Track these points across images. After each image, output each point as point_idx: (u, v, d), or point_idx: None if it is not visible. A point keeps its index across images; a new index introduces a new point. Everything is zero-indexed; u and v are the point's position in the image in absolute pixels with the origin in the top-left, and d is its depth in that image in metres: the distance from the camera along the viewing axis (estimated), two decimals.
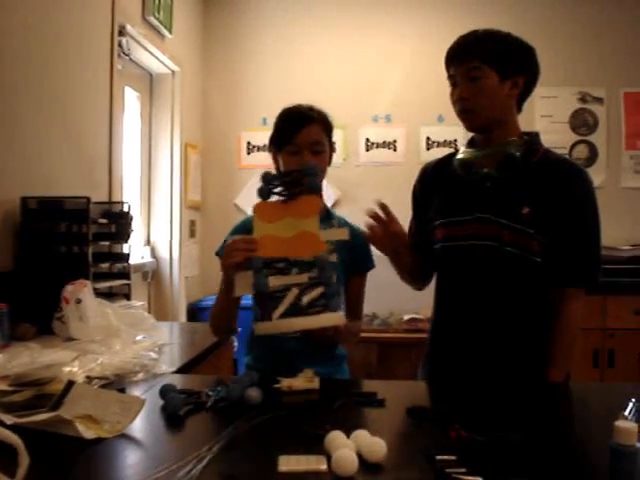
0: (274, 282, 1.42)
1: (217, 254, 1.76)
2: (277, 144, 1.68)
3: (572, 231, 1.57)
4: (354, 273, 1.74)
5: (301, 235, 1.45)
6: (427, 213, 1.72)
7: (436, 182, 1.73)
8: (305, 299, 1.41)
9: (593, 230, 1.61)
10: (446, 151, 1.82)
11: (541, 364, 1.57)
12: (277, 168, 1.72)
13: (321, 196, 1.52)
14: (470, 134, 1.71)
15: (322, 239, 1.44)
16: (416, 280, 1.81)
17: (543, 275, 1.57)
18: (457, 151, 1.73)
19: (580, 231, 1.59)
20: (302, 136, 1.62)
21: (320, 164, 1.60)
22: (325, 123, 1.69)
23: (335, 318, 1.44)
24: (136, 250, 3.51)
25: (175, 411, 1.18)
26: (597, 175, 4.15)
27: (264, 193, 1.49)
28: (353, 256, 1.68)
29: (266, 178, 1.50)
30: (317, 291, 1.42)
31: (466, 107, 1.58)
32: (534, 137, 1.66)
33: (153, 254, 3.89)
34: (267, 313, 1.41)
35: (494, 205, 1.58)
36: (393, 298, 3.64)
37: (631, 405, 1.15)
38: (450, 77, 1.62)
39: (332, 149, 1.72)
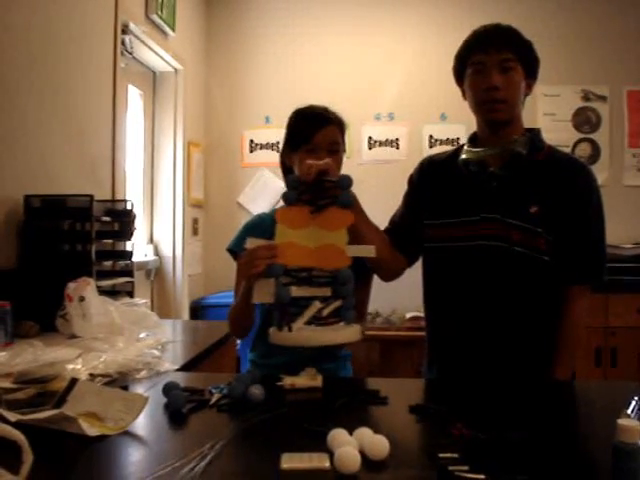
0: (296, 292, 1.39)
1: (230, 251, 1.76)
2: (294, 144, 1.69)
3: (577, 229, 1.57)
4: (359, 273, 1.73)
5: (326, 247, 1.40)
6: (420, 208, 1.70)
7: (437, 179, 1.71)
8: (325, 312, 1.40)
9: (597, 227, 1.60)
10: (449, 149, 1.80)
11: (547, 363, 1.57)
12: (288, 168, 1.74)
13: (358, 207, 1.47)
14: (469, 131, 1.69)
15: (348, 254, 1.41)
16: (386, 273, 1.75)
17: (550, 274, 1.56)
18: (459, 148, 1.71)
19: (584, 229, 1.58)
20: (320, 136, 1.64)
21: (336, 163, 1.62)
22: (340, 124, 1.72)
23: (353, 334, 1.42)
24: (139, 248, 3.52)
25: (178, 409, 1.18)
26: (600, 173, 4.13)
27: (291, 199, 1.43)
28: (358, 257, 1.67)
29: (293, 183, 1.45)
30: (335, 304, 1.41)
31: (497, 97, 1.53)
32: (537, 134, 1.65)
33: (156, 252, 3.89)
34: (286, 323, 1.39)
35: (501, 205, 1.57)
36: (395, 296, 3.64)
37: (634, 403, 1.15)
38: (475, 64, 1.56)
39: (344, 149, 1.73)
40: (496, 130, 1.60)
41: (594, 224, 1.60)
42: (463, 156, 1.65)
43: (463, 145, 1.71)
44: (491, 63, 1.54)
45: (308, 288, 1.41)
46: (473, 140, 1.69)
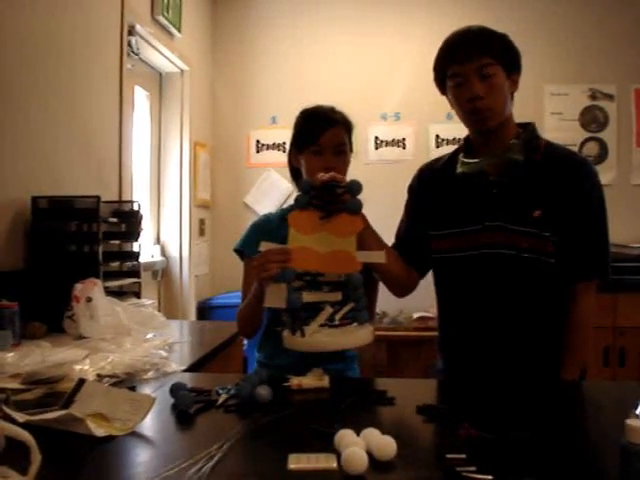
0: (308, 297, 1.40)
1: (237, 251, 1.76)
2: (300, 144, 1.69)
3: (580, 226, 1.55)
4: (366, 276, 1.73)
5: (337, 253, 1.42)
6: (424, 217, 1.68)
7: (437, 188, 1.68)
8: (337, 316, 1.41)
9: (600, 223, 1.59)
10: (447, 153, 1.77)
11: (557, 363, 1.56)
12: (295, 168, 1.74)
13: (361, 215, 1.48)
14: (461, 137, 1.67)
15: (359, 260, 1.42)
16: (399, 289, 1.73)
17: (557, 275, 1.54)
18: (456, 153, 1.68)
19: (588, 225, 1.57)
20: (327, 137, 1.64)
21: (343, 164, 1.63)
22: (347, 125, 1.71)
23: (365, 336, 1.43)
24: (146, 249, 3.52)
25: (185, 409, 1.19)
26: (607, 172, 4.13)
27: (302, 203, 1.45)
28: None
29: (306, 187, 1.45)
30: (348, 307, 1.42)
31: (482, 106, 1.49)
32: (531, 131, 1.61)
33: (163, 253, 3.90)
34: (299, 328, 1.39)
35: (503, 211, 1.55)
36: None
37: None
38: (453, 76, 1.52)
39: (351, 149, 1.73)
40: (488, 137, 1.57)
41: (597, 220, 1.58)
42: (460, 169, 1.62)
43: (459, 149, 1.68)
44: (469, 72, 1.49)
45: (319, 293, 1.42)
46: (468, 144, 1.65)
